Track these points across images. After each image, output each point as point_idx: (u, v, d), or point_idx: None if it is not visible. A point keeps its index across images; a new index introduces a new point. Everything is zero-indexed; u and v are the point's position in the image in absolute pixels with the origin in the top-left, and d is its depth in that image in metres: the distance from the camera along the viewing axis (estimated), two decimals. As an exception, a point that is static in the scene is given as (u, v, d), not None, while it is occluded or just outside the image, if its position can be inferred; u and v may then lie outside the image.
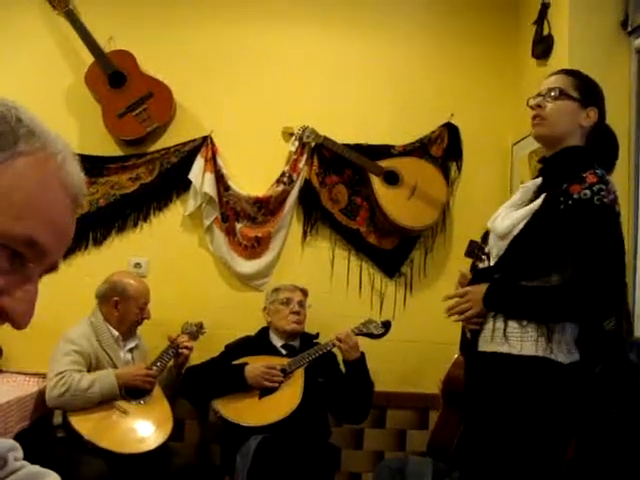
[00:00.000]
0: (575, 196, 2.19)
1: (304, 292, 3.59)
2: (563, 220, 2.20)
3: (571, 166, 2.27)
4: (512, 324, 2.25)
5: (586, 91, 2.32)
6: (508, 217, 2.35)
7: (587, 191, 2.18)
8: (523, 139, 3.71)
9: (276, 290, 3.58)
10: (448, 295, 2.42)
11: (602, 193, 2.17)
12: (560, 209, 2.21)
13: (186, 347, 3.43)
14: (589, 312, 2.21)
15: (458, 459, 2.67)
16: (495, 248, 2.39)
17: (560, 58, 3.45)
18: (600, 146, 2.36)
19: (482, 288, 2.31)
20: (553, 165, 2.36)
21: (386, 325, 3.49)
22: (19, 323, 0.74)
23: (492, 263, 2.39)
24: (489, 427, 2.29)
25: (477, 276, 2.39)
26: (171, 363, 3.44)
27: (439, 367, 3.50)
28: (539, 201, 2.28)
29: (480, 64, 4.03)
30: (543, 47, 3.57)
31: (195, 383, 3.35)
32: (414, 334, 3.85)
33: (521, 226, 2.29)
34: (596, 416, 2.44)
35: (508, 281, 2.28)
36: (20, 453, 1.01)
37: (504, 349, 2.25)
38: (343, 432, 3.71)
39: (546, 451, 2.23)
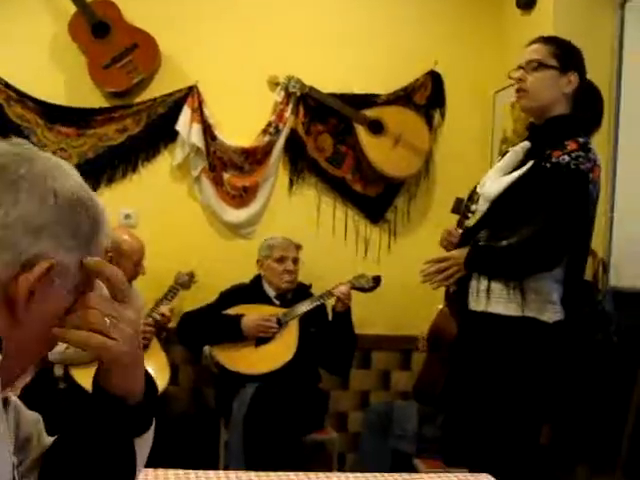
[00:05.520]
0: (554, 160, 2.29)
1: (297, 247, 3.65)
2: (540, 181, 2.31)
3: (556, 134, 2.36)
4: (496, 285, 2.36)
5: (564, 57, 2.39)
6: (497, 182, 2.43)
7: (566, 156, 2.28)
8: (505, 88, 3.75)
9: (270, 246, 3.61)
10: (428, 260, 2.49)
11: (580, 159, 2.28)
12: (541, 173, 2.31)
13: (163, 315, 3.42)
14: (539, 265, 2.31)
15: (443, 403, 2.83)
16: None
17: (544, 9, 3.47)
18: (586, 110, 2.43)
19: (464, 252, 2.40)
20: (540, 135, 2.44)
21: (376, 280, 3.62)
22: None
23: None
24: (476, 377, 2.42)
25: (463, 235, 2.50)
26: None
27: (421, 310, 3.66)
28: (525, 168, 2.37)
29: (464, 12, 4.03)
30: (527, -3, 3.59)
31: (192, 329, 3.47)
32: (397, 278, 3.95)
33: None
34: (573, 367, 2.58)
35: (486, 242, 2.39)
36: None
37: (491, 309, 2.37)
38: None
39: (530, 402, 2.38)
